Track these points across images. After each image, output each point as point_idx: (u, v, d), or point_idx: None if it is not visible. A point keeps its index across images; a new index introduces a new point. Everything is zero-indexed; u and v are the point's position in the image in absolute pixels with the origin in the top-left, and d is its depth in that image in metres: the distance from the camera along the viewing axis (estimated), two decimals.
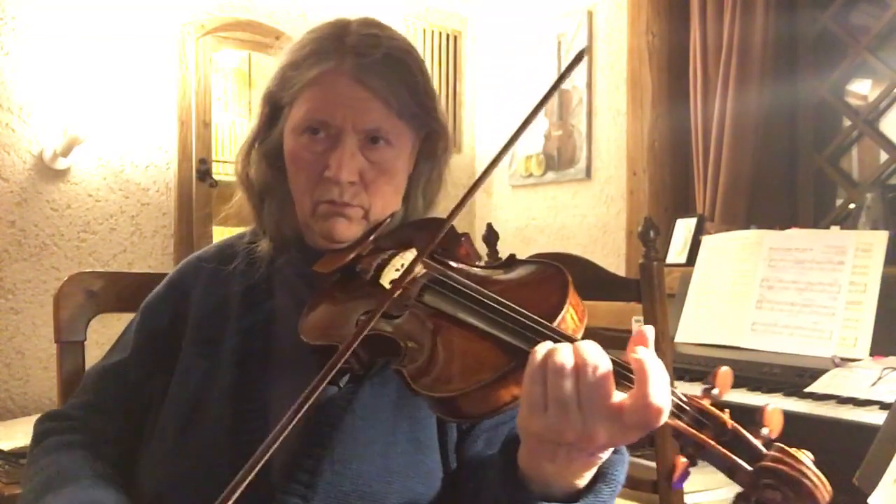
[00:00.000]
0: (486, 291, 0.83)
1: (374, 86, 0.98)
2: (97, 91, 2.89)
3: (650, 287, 1.64)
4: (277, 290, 1.07)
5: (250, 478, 0.73)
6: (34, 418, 1.10)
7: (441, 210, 0.99)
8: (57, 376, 1.28)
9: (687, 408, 0.70)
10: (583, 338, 0.74)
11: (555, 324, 0.78)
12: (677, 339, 2.35)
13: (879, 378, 1.73)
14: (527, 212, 3.66)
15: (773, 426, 0.70)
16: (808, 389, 1.76)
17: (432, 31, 3.79)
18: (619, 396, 0.69)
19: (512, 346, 0.76)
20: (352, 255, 1.00)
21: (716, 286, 2.35)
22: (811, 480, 0.65)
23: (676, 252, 2.88)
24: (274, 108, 1.06)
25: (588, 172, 3.37)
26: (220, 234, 2.98)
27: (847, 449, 1.51)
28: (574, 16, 3.40)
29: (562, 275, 0.84)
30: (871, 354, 1.95)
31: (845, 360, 1.91)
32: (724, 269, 2.35)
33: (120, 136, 3.00)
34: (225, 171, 3.43)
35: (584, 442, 0.70)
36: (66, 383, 1.27)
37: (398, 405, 0.96)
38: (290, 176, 1.04)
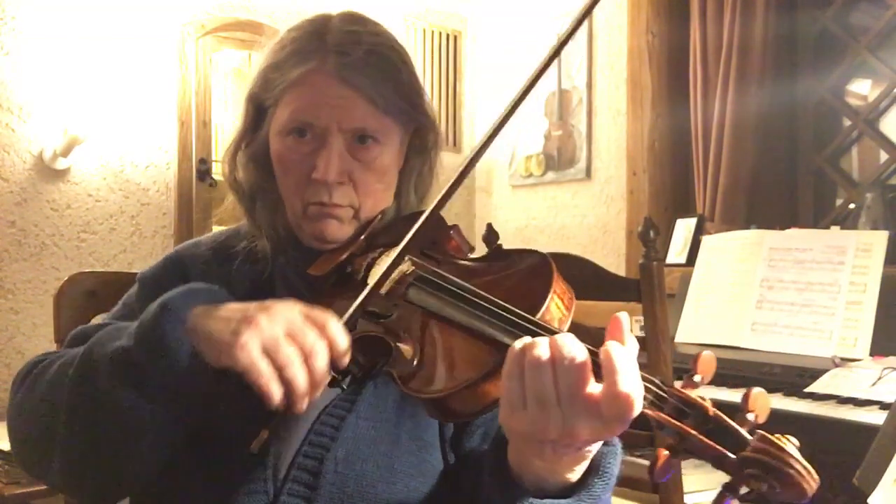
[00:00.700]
0: (469, 286, 0.83)
1: (357, 84, 0.97)
2: (97, 91, 2.89)
3: (650, 287, 1.64)
4: (279, 290, 1.06)
5: None
6: None
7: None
8: None
9: (668, 397, 0.69)
10: (579, 333, 0.73)
11: (539, 314, 0.77)
12: (677, 339, 2.35)
13: (879, 378, 1.73)
14: (527, 212, 3.66)
15: (758, 410, 0.68)
16: (808, 389, 1.76)
17: (432, 31, 3.79)
18: (597, 388, 0.68)
19: (496, 341, 0.76)
20: (344, 256, 0.99)
21: (716, 286, 2.35)
22: (796, 470, 0.63)
23: (676, 252, 2.88)
24: (258, 110, 1.04)
25: (588, 172, 3.37)
26: None
27: (847, 449, 1.52)
28: (574, 16, 3.40)
29: (546, 264, 0.84)
30: (871, 354, 1.95)
31: (845, 360, 1.91)
32: (724, 269, 2.35)
33: (120, 136, 2.99)
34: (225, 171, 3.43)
35: (567, 437, 0.69)
36: None
37: (401, 405, 0.95)
38: (278, 178, 1.03)
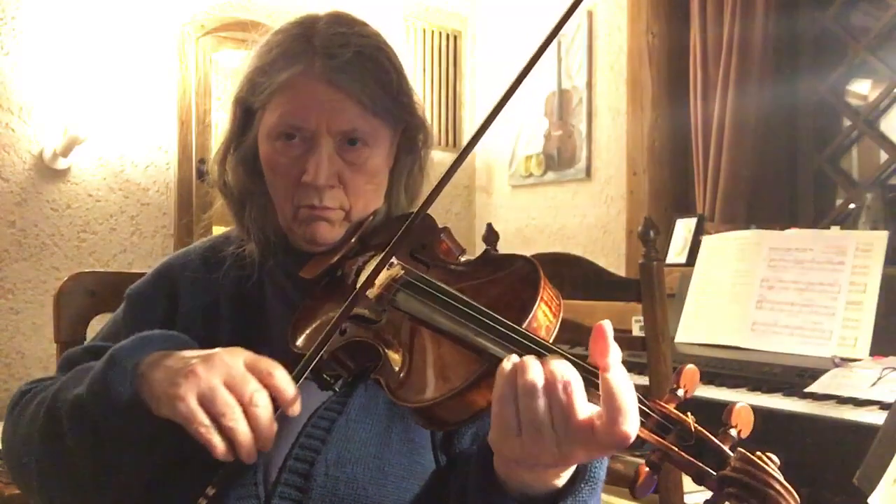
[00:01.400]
0: (456, 294, 0.82)
1: (346, 86, 0.96)
2: (97, 91, 2.89)
3: (650, 287, 1.64)
4: (269, 294, 1.06)
5: None
6: None
7: (434, 210, 0.98)
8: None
9: (651, 413, 0.69)
10: (577, 333, 0.73)
11: (526, 322, 0.77)
12: (677, 339, 2.35)
13: (879, 378, 1.73)
14: (527, 212, 3.66)
15: (742, 425, 0.68)
16: (808, 389, 1.76)
17: (432, 31, 3.80)
18: (591, 410, 0.67)
19: (483, 351, 0.75)
20: (336, 258, 0.99)
21: (716, 286, 2.35)
22: (776, 490, 0.63)
23: (676, 252, 2.88)
24: (246, 114, 1.04)
25: (588, 172, 3.37)
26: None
27: (847, 449, 1.52)
28: (574, 16, 3.39)
29: (534, 270, 0.83)
30: (871, 354, 1.95)
31: (845, 360, 1.91)
32: (724, 269, 2.35)
33: (120, 136, 3.00)
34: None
35: (562, 461, 0.69)
36: None
37: (392, 407, 0.95)
38: (268, 181, 1.03)
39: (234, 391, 0.79)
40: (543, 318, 0.79)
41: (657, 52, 3.11)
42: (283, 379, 0.81)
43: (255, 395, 0.79)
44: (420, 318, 0.83)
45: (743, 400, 1.82)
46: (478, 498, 0.79)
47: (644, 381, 1.85)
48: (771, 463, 0.64)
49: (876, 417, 1.54)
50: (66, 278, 1.32)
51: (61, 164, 2.86)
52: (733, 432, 0.67)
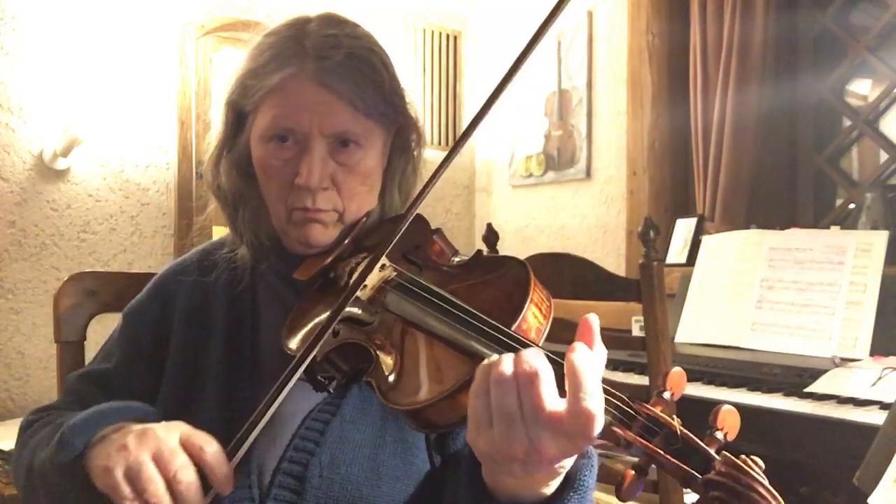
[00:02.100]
0: (446, 296, 0.82)
1: (337, 88, 0.96)
2: (97, 91, 2.89)
3: (650, 287, 1.64)
4: (262, 297, 1.06)
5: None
6: None
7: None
8: (57, 376, 1.28)
9: (637, 416, 0.68)
10: (571, 334, 0.72)
11: (515, 324, 0.77)
12: (677, 339, 2.35)
13: (879, 378, 1.73)
14: (527, 212, 3.66)
15: (728, 427, 0.68)
16: (808, 389, 1.76)
17: (432, 31, 3.80)
18: (561, 402, 0.67)
19: (473, 353, 0.75)
20: (329, 259, 0.99)
21: (716, 286, 2.35)
22: (760, 493, 0.63)
23: (676, 252, 2.88)
24: (238, 116, 1.04)
25: (588, 172, 3.37)
26: (220, 233, 2.97)
27: (847, 449, 1.52)
28: (574, 16, 3.40)
29: (524, 273, 0.83)
30: (871, 354, 1.95)
31: (845, 360, 1.91)
32: (724, 269, 2.35)
33: (120, 136, 2.99)
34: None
35: (534, 455, 0.69)
36: None
37: (386, 408, 0.94)
38: (261, 184, 1.03)
39: (160, 466, 0.79)
40: (533, 319, 0.79)
41: (657, 52, 3.11)
42: (214, 455, 0.81)
43: (181, 472, 0.79)
44: (411, 320, 0.83)
45: (743, 400, 1.83)
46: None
47: (644, 381, 1.85)
48: (756, 467, 0.65)
49: (876, 417, 1.54)
50: (66, 278, 1.32)
51: (61, 164, 2.86)
52: (720, 435, 0.67)
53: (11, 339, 2.80)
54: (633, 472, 0.67)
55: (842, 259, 2.11)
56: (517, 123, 3.66)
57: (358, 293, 0.88)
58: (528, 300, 0.79)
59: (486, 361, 0.70)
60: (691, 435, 0.67)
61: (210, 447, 0.81)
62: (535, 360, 0.68)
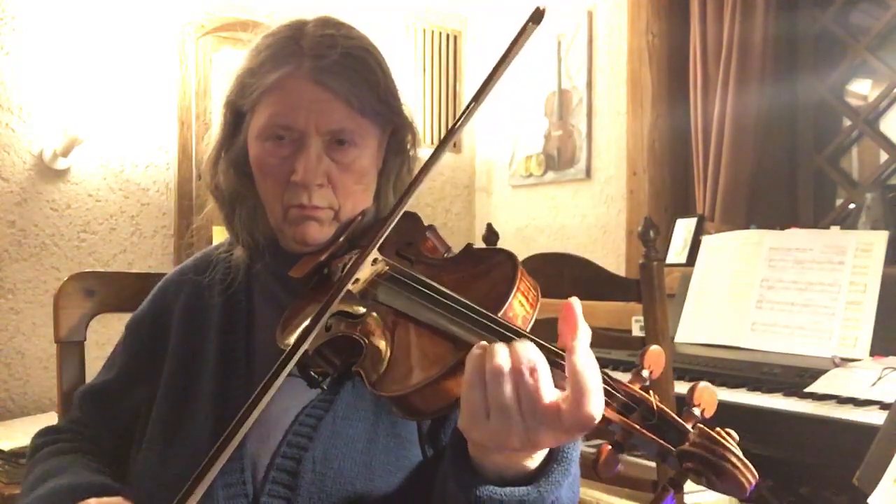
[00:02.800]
0: (433, 284, 0.84)
1: (333, 86, 0.98)
2: (97, 91, 2.89)
3: (650, 287, 1.64)
4: (257, 297, 1.08)
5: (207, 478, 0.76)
6: (34, 418, 1.12)
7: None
8: (57, 376, 1.28)
9: (616, 394, 0.70)
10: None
11: (502, 311, 0.78)
12: (677, 339, 2.35)
13: (879, 378, 1.73)
14: (527, 212, 3.66)
15: (704, 404, 0.69)
16: (808, 389, 1.76)
17: (432, 31, 3.79)
18: (557, 394, 0.69)
19: (458, 339, 0.77)
20: (324, 257, 1.00)
21: (716, 286, 2.35)
22: (732, 463, 0.64)
23: (676, 252, 2.88)
24: (236, 116, 1.06)
25: (588, 172, 3.37)
26: (220, 233, 2.97)
27: (847, 449, 1.52)
28: (574, 16, 3.40)
29: (511, 262, 0.85)
30: (871, 354, 1.95)
31: (845, 360, 1.91)
32: (724, 269, 2.35)
33: (120, 136, 2.99)
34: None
35: (529, 447, 0.70)
36: (66, 383, 1.27)
37: (378, 402, 0.97)
38: (257, 182, 1.04)
39: None
40: (520, 307, 0.81)
41: (657, 52, 3.11)
42: None
43: None
44: (401, 310, 0.85)
45: (743, 400, 1.83)
46: (454, 482, 0.79)
47: None
48: (729, 438, 0.65)
49: (876, 417, 1.54)
50: (66, 278, 1.32)
51: (61, 164, 2.86)
52: (696, 411, 0.68)
53: (11, 339, 2.80)
54: (609, 446, 0.68)
55: (842, 259, 2.11)
56: (517, 123, 3.66)
57: (350, 287, 0.89)
58: (515, 289, 0.81)
59: (477, 351, 0.71)
60: (667, 410, 0.69)
61: None
62: (531, 351, 0.70)
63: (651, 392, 0.70)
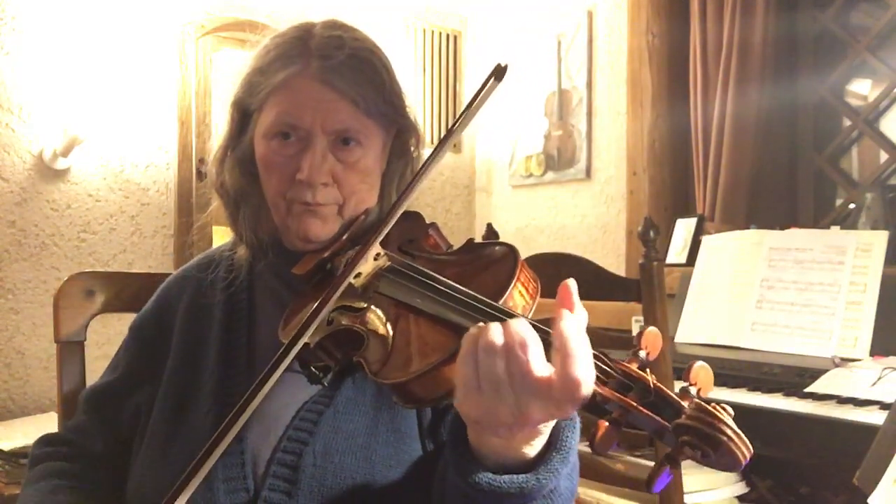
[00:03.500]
0: (434, 275, 0.85)
1: (340, 86, 1.00)
2: (97, 91, 2.89)
3: (650, 287, 1.64)
4: (259, 295, 1.09)
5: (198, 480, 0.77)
6: (34, 418, 1.12)
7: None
8: (57, 376, 1.28)
9: (613, 373, 0.71)
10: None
11: (502, 300, 0.79)
12: (677, 339, 2.35)
13: (879, 378, 1.73)
14: (527, 212, 3.67)
15: (701, 383, 0.69)
16: (808, 389, 1.76)
17: (432, 31, 3.79)
18: (548, 369, 0.69)
19: (458, 326, 0.78)
20: (326, 254, 1.01)
21: (716, 286, 2.35)
22: (728, 436, 0.64)
23: (676, 252, 2.88)
24: (243, 115, 1.07)
25: (588, 172, 3.37)
26: (220, 234, 2.97)
27: (847, 449, 1.52)
28: (574, 16, 3.40)
29: (512, 254, 0.87)
30: (871, 354, 1.95)
31: (845, 360, 1.91)
32: (724, 269, 2.35)
33: (120, 136, 2.99)
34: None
35: (521, 420, 0.71)
36: (66, 383, 1.27)
37: (378, 397, 0.98)
38: (262, 180, 1.05)
39: None
40: (520, 297, 0.82)
41: (657, 52, 3.11)
42: None
43: None
44: (402, 300, 0.86)
45: (743, 400, 1.83)
46: (453, 469, 0.80)
47: None
48: (724, 412, 0.66)
49: (876, 417, 1.54)
50: (66, 278, 1.32)
51: (61, 164, 2.86)
52: (692, 390, 0.69)
53: (11, 339, 2.80)
54: (606, 423, 0.69)
55: (842, 259, 2.11)
56: (517, 123, 3.66)
57: (352, 280, 0.90)
58: (515, 279, 0.82)
59: (472, 329, 0.72)
60: (664, 388, 0.69)
61: None
62: (522, 327, 0.70)
63: (648, 371, 0.71)
